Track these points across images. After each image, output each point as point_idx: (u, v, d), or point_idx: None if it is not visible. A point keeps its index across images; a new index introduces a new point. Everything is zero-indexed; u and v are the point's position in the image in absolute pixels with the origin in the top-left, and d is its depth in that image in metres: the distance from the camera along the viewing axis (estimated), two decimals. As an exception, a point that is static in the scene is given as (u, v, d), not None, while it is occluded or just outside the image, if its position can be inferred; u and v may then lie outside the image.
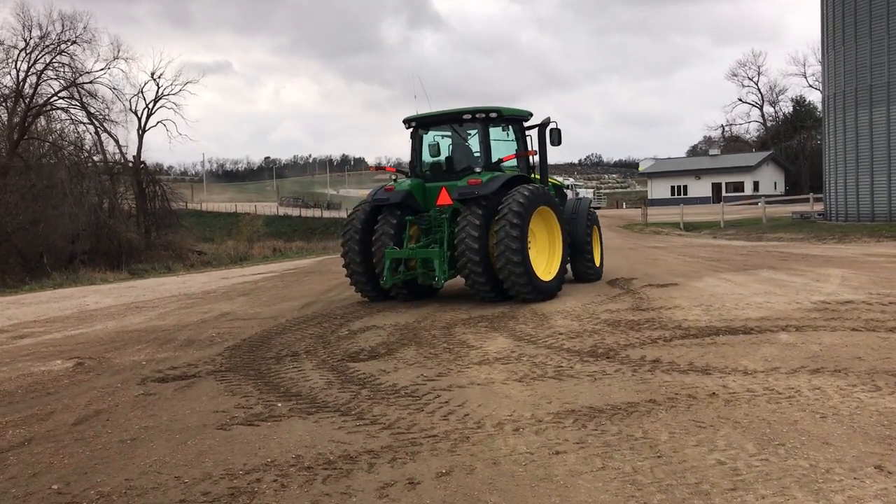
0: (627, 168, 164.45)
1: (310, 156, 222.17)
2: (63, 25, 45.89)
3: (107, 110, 47.60)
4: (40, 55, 45.29)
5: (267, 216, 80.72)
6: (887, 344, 7.54)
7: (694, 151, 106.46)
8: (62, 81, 46.14)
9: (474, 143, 13.31)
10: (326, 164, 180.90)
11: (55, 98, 46.11)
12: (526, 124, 13.60)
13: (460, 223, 11.77)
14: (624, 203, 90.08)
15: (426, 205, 12.89)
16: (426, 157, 13.33)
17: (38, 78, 45.23)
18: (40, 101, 45.49)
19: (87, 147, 47.93)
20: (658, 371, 6.83)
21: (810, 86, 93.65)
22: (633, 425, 5.28)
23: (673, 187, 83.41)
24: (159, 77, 55.60)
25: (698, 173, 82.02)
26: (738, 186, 77.59)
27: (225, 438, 5.46)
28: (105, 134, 47.88)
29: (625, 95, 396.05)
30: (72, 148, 46.67)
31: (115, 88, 59.20)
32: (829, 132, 31.71)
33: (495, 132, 13.18)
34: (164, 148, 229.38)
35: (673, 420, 5.35)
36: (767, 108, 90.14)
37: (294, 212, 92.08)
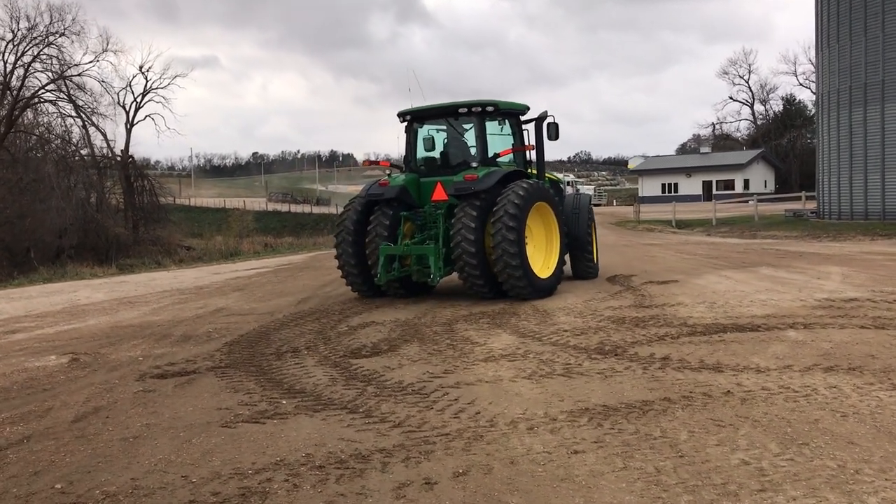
0: (616, 165, 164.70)
1: (298, 151, 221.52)
2: (51, 17, 45.61)
3: (95, 103, 47.33)
4: (28, 47, 44.97)
5: (256, 212, 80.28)
6: (898, 342, 7.46)
7: (683, 149, 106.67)
8: (50, 74, 45.79)
9: (470, 138, 13.03)
10: (315, 160, 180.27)
11: (43, 91, 45.71)
12: (523, 118, 13.33)
13: (456, 219, 11.53)
14: (615, 200, 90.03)
15: (421, 200, 12.64)
16: (421, 151, 13.10)
17: (26, 70, 44.85)
18: (28, 94, 45.06)
19: (74, 141, 47.57)
20: (669, 369, 6.71)
21: (801, 84, 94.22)
22: (650, 424, 5.16)
23: (664, 185, 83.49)
24: (147, 70, 55.21)
25: (689, 171, 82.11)
26: (729, 184, 77.74)
27: (230, 436, 5.31)
28: (93, 128, 47.55)
29: (614, 93, 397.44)
30: (59, 141, 46.28)
31: (103, 81, 58.70)
32: (822, 130, 31.73)
33: (492, 126, 12.93)
34: (151, 143, 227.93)
35: (690, 419, 5.24)
36: (758, 107, 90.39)
37: (283, 207, 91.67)
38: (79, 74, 46.96)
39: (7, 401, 6.68)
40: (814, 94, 78.40)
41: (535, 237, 12.25)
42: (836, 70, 29.52)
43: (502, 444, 4.91)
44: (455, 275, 12.17)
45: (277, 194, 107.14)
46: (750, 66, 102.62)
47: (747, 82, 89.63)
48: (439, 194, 12.21)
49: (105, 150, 49.88)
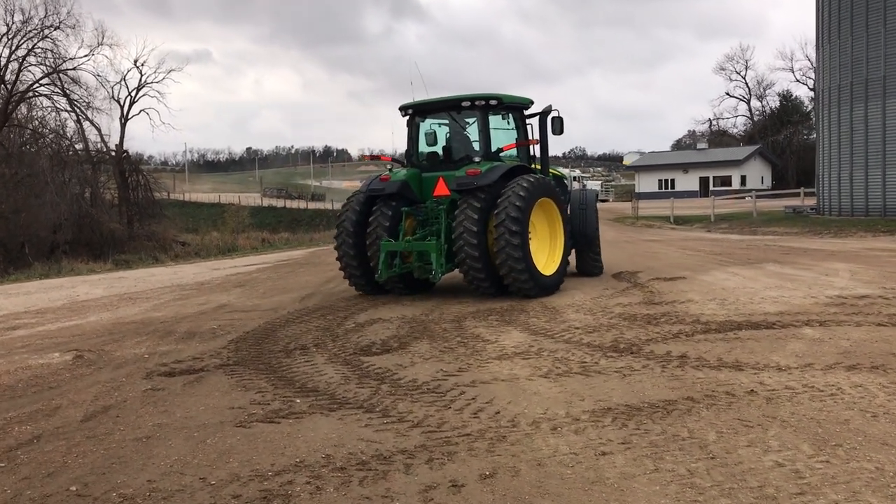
0: (612, 161, 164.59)
1: (292, 147, 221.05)
2: (46, 10, 45.16)
3: (90, 98, 46.95)
4: (22, 40, 44.56)
5: (251, 207, 79.96)
6: (916, 340, 7.36)
7: (678, 146, 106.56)
8: (44, 68, 45.42)
9: (473, 132, 12.83)
10: (309, 155, 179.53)
11: (37, 85, 45.35)
12: (526, 112, 13.14)
13: (458, 215, 11.33)
14: (610, 196, 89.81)
15: (423, 195, 12.40)
16: (423, 146, 12.89)
17: (21, 64, 44.47)
18: (22, 88, 44.71)
19: (68, 135, 47.25)
20: (688, 367, 6.60)
21: (797, 80, 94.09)
22: (676, 424, 5.05)
23: (660, 181, 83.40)
24: (142, 65, 54.87)
25: (686, 167, 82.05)
26: (726, 180, 77.68)
27: (246, 437, 5.18)
28: (87, 122, 47.23)
29: (608, 89, 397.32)
30: (53, 136, 45.96)
31: (99, 75, 58.47)
32: (822, 126, 31.64)
33: (495, 120, 12.71)
34: (144, 138, 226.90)
35: (717, 419, 5.13)
36: (755, 103, 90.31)
37: (278, 203, 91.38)
38: (74, 68, 46.65)
39: (13, 399, 6.54)
40: (811, 90, 78.58)
41: (539, 233, 12.07)
42: (837, 66, 29.42)
43: (526, 445, 4.80)
44: (458, 272, 11.99)
45: (272, 190, 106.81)
46: (747, 62, 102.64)
47: (744, 78, 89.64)
48: (441, 189, 11.99)
49: (99, 145, 49.59)
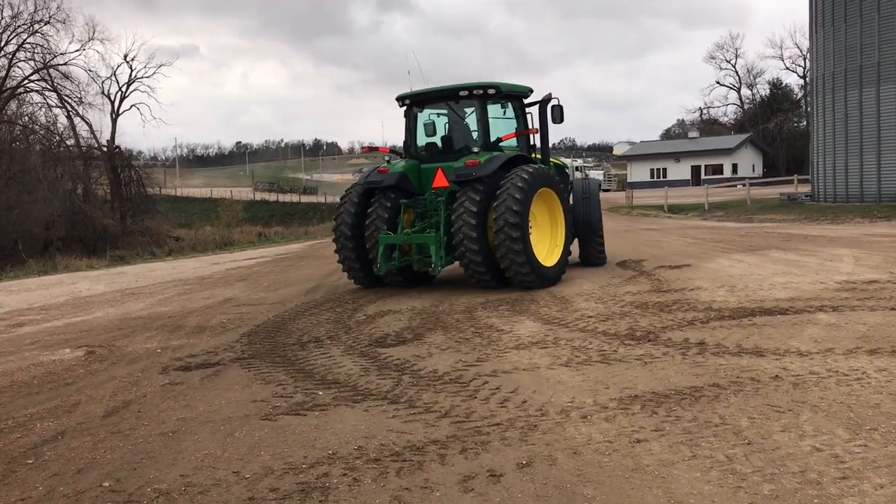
0: (601, 151, 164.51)
1: (281, 140, 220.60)
2: (36, 5, 44.84)
3: (81, 93, 46.67)
4: (12, 36, 44.23)
5: (244, 201, 79.73)
6: (932, 323, 7.37)
7: (668, 135, 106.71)
8: (35, 63, 45.08)
9: (472, 122, 12.68)
10: (300, 149, 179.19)
11: (27, 81, 45.02)
12: (526, 101, 12.95)
13: (457, 207, 11.17)
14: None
15: (421, 187, 12.24)
16: (421, 136, 12.75)
17: (10, 60, 44.13)
18: (12, 84, 44.38)
19: (59, 131, 46.94)
20: (708, 354, 6.59)
21: (787, 68, 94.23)
22: (706, 411, 5.03)
23: (652, 170, 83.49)
24: (132, 60, 54.61)
25: (677, 156, 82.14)
26: (718, 169, 77.84)
27: (274, 429, 5.14)
28: (78, 118, 46.95)
29: (595, 79, 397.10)
30: (44, 132, 45.66)
31: (90, 70, 58.05)
32: (816, 113, 31.69)
33: (494, 110, 12.55)
34: (134, 133, 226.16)
35: (746, 405, 5.11)
36: (745, 91, 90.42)
37: (270, 197, 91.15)
38: (65, 63, 46.38)
39: (30, 396, 6.48)
40: (801, 77, 78.84)
41: (540, 224, 11.93)
42: (832, 52, 29.44)
43: (559, 433, 4.77)
44: (458, 264, 11.88)
45: (263, 184, 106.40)
46: (737, 50, 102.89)
47: (734, 66, 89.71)
48: (440, 181, 11.82)
49: (91, 141, 49.32)
